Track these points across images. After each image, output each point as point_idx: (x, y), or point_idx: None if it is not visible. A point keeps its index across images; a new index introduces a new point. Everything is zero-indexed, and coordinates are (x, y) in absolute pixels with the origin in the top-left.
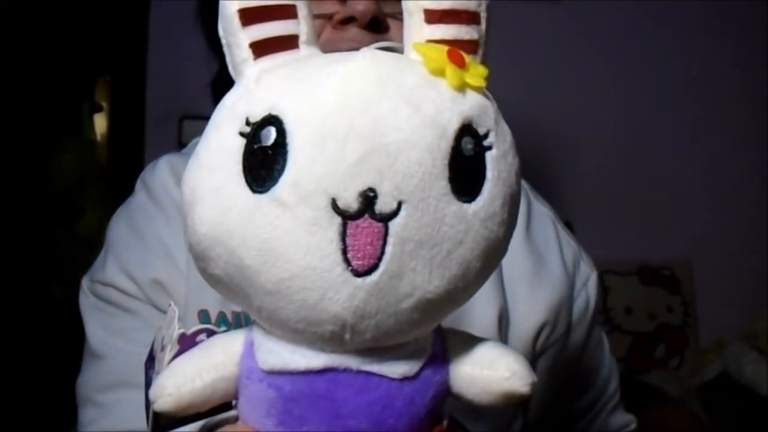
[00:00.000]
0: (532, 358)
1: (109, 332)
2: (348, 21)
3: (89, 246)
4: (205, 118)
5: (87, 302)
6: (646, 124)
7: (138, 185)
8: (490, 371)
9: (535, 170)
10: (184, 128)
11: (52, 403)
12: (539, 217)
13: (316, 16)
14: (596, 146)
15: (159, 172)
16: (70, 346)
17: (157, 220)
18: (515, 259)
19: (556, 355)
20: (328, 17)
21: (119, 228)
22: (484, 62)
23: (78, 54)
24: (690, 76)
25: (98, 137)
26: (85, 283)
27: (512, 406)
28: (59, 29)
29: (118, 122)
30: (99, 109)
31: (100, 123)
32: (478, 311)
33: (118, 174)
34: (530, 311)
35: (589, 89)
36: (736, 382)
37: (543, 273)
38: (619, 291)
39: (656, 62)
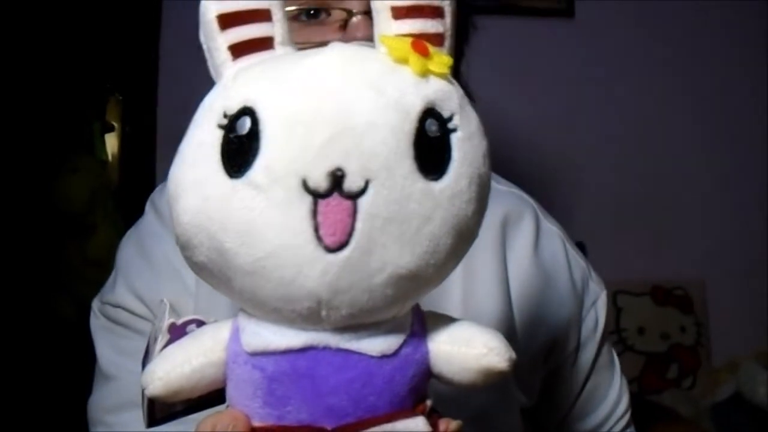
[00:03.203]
0: (542, 377)
1: (119, 353)
2: None
3: (100, 265)
4: None
5: (97, 323)
6: (660, 143)
7: (147, 207)
8: (468, 348)
9: (548, 190)
10: None
11: (61, 422)
12: (548, 235)
13: (318, 44)
14: (609, 165)
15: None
16: (80, 365)
17: (166, 241)
18: (523, 278)
19: (565, 374)
20: None
21: (128, 250)
22: (450, 53)
23: (89, 73)
24: (705, 95)
25: (109, 157)
26: (95, 304)
27: (524, 423)
28: (70, 49)
29: (130, 142)
30: (110, 129)
31: (112, 143)
32: None
33: (130, 194)
34: (538, 330)
35: (603, 107)
36: (750, 403)
37: (551, 292)
38: (631, 311)
39: (671, 81)
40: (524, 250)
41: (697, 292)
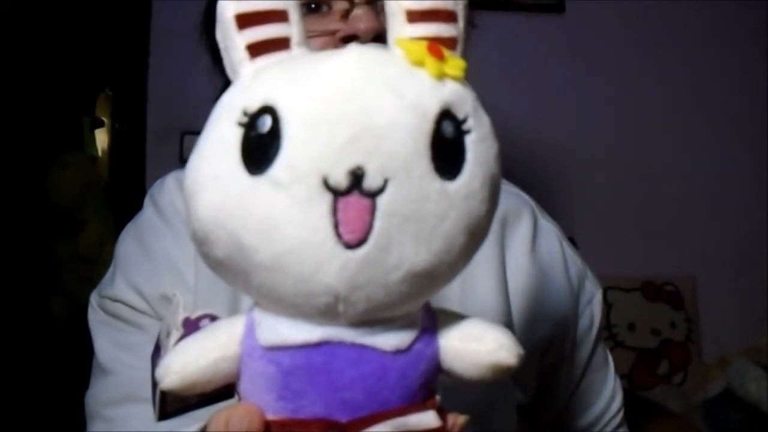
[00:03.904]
0: (538, 374)
1: (118, 347)
2: (350, 39)
3: (90, 261)
4: None
5: (96, 317)
6: (651, 139)
7: (146, 201)
8: (478, 344)
9: (539, 185)
10: (186, 143)
11: (52, 417)
12: (545, 233)
13: (320, 34)
14: (600, 161)
15: (167, 188)
16: (70, 360)
17: (165, 236)
18: (521, 275)
19: (560, 371)
20: (331, 34)
21: (128, 244)
22: (463, 57)
23: (79, 69)
24: (696, 91)
25: (99, 152)
26: (93, 298)
27: (520, 420)
28: (60, 45)
29: (119, 137)
30: (100, 125)
31: (101, 138)
32: None
33: (120, 189)
34: (535, 327)
35: (594, 103)
36: (740, 399)
37: (548, 289)
38: (622, 307)
39: (661, 76)
40: (522, 247)
41: (688, 288)
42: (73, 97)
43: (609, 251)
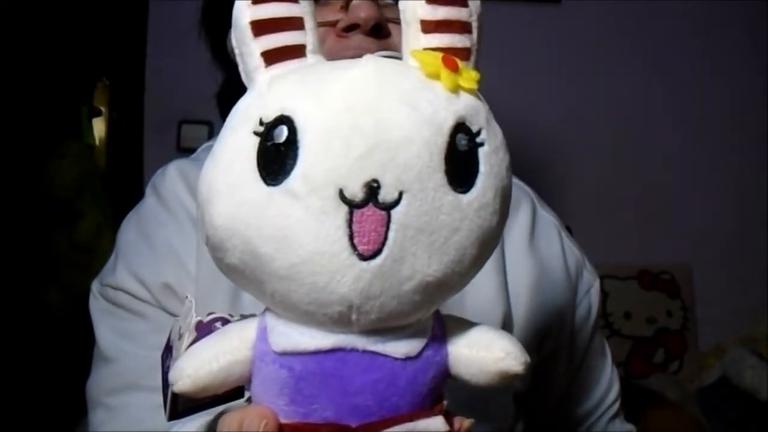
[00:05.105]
0: (536, 363)
1: (120, 336)
2: (351, 28)
3: (87, 250)
4: (204, 122)
5: (97, 306)
6: (646, 129)
7: (148, 190)
8: (486, 352)
9: (535, 174)
10: (183, 132)
11: (49, 406)
12: (544, 224)
13: (320, 24)
14: (596, 150)
15: (169, 177)
16: (67, 349)
17: (167, 225)
18: (519, 266)
19: (558, 361)
20: (332, 24)
21: (129, 233)
22: (476, 68)
23: (77, 58)
24: (690, 80)
25: (97, 142)
26: (95, 286)
27: (517, 409)
28: (58, 34)
29: (117, 127)
30: (98, 114)
31: (99, 127)
32: (483, 316)
33: (117, 179)
34: (534, 318)
35: (589, 93)
36: (736, 387)
37: (546, 280)
38: (618, 295)
39: (656, 66)
40: (521, 237)
41: (684, 276)
42: (71, 86)
43: (605, 240)
